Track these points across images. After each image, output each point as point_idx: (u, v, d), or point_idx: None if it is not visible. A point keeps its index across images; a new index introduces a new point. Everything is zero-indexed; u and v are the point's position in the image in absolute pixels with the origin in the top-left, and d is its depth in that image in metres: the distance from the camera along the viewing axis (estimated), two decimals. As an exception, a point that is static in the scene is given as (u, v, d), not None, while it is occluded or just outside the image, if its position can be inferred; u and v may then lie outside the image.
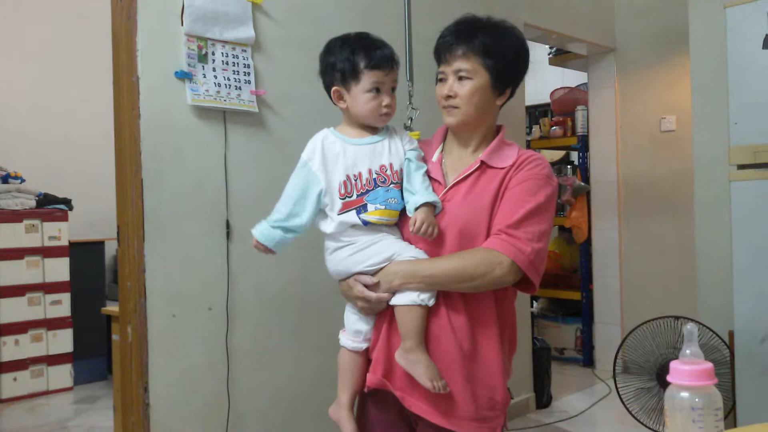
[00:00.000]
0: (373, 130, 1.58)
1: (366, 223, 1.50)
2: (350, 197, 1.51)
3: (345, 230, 1.52)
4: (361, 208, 1.50)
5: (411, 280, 1.46)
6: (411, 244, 1.54)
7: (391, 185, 1.53)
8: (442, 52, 1.56)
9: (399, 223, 1.56)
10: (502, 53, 1.53)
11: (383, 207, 1.50)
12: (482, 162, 1.54)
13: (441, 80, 1.57)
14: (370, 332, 1.58)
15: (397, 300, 1.49)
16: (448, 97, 1.54)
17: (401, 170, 1.55)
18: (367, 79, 1.52)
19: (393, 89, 1.56)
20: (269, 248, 1.55)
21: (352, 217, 1.50)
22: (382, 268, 1.50)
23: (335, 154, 1.53)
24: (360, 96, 1.53)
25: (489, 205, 1.50)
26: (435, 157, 1.62)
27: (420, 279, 1.46)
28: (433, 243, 1.50)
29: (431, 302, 1.48)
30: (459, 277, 1.45)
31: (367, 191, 1.51)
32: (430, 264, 1.48)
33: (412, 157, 1.56)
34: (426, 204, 1.48)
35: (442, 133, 1.67)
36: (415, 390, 1.49)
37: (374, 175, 1.52)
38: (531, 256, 1.45)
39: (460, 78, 1.53)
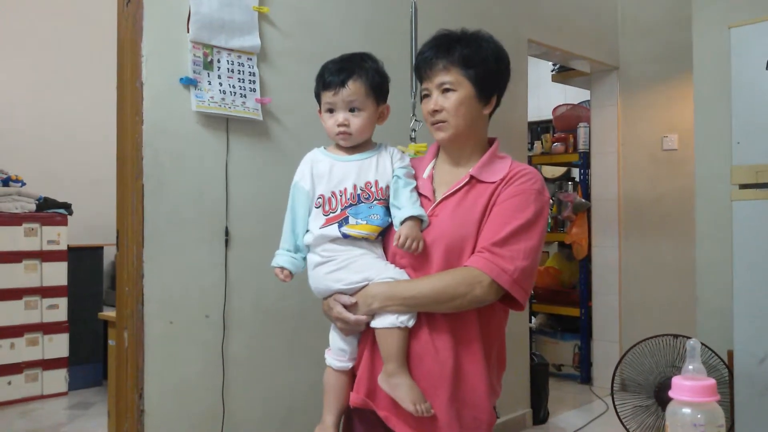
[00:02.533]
0: (361, 147, 1.59)
1: (346, 236, 1.49)
2: (334, 212, 1.51)
3: (324, 243, 1.52)
4: (343, 221, 1.50)
5: (390, 303, 1.45)
6: (396, 259, 1.52)
7: (375, 202, 1.52)
8: (423, 69, 1.56)
9: (385, 240, 1.55)
10: (482, 62, 1.53)
11: (364, 222, 1.50)
12: (471, 176, 1.53)
13: (425, 96, 1.57)
14: (355, 352, 1.57)
15: (376, 323, 1.47)
16: (435, 111, 1.53)
17: (387, 187, 1.55)
18: (322, 101, 1.57)
19: (354, 108, 1.54)
20: (285, 269, 1.55)
21: (332, 230, 1.50)
22: (361, 287, 1.49)
23: (322, 172, 1.55)
24: (323, 118, 1.58)
25: (477, 221, 1.48)
26: (426, 173, 1.61)
27: (399, 301, 1.44)
28: (419, 259, 1.49)
29: (411, 323, 1.46)
30: (438, 298, 1.44)
31: (351, 205, 1.51)
32: (409, 285, 1.46)
33: (401, 174, 1.55)
34: (412, 218, 1.47)
35: (435, 148, 1.66)
36: (399, 409, 1.47)
37: (359, 191, 1.52)
38: (515, 274, 1.42)
39: (444, 91, 1.52)
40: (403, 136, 2.46)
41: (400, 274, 1.49)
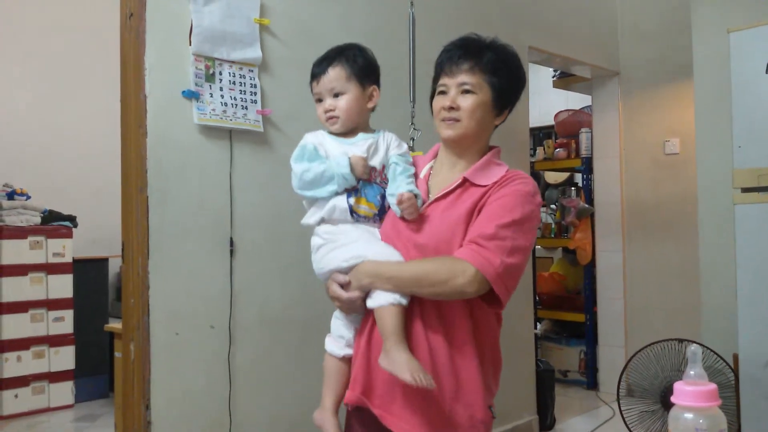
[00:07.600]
0: (360, 132, 1.64)
1: (351, 209, 1.54)
2: None
3: (325, 225, 1.57)
4: (353, 192, 1.56)
5: (376, 280, 1.48)
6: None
7: (374, 184, 1.59)
8: (446, 65, 1.56)
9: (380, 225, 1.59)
10: (506, 73, 1.55)
11: (365, 198, 1.56)
12: (465, 179, 1.53)
13: (441, 93, 1.56)
14: (353, 339, 1.60)
15: (371, 303, 1.50)
16: (450, 108, 1.53)
17: (383, 171, 1.61)
18: (313, 92, 1.65)
19: (337, 94, 1.61)
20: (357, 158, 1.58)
21: (341, 201, 1.55)
22: (355, 265, 1.52)
23: (328, 149, 1.61)
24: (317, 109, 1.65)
25: (464, 220, 1.48)
26: (423, 174, 1.63)
27: (384, 279, 1.47)
28: (411, 257, 1.51)
29: (404, 301, 1.47)
30: (420, 281, 1.45)
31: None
32: (396, 266, 1.49)
33: (399, 161, 1.60)
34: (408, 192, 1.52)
35: (435, 150, 1.68)
36: (394, 407, 1.48)
37: None
38: (500, 269, 1.41)
39: (464, 92, 1.52)
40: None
41: (391, 251, 1.51)
